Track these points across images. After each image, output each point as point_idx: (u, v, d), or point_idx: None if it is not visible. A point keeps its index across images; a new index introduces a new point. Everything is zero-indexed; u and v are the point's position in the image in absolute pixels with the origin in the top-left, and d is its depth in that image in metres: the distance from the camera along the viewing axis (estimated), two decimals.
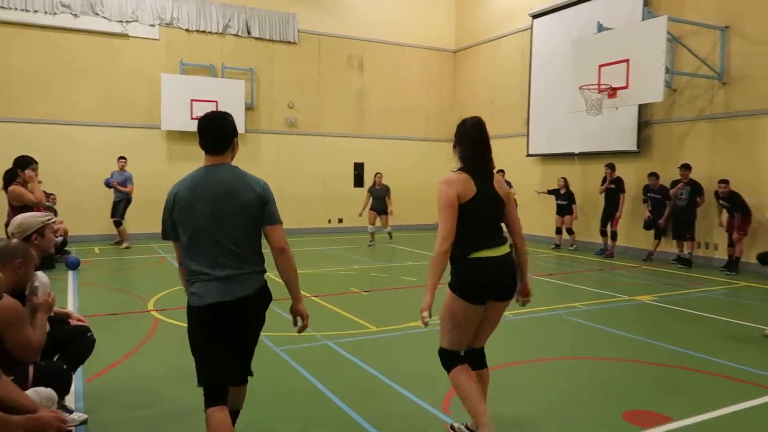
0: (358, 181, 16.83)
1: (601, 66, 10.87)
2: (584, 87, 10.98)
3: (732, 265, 10.06)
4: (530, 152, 14.85)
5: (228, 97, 14.76)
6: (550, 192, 13.16)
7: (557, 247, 13.12)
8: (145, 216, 12.71)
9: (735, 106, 10.61)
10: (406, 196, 17.13)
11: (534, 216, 14.05)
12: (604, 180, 11.97)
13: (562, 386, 4.65)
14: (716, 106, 10.93)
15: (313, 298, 7.57)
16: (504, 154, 15.87)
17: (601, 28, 11.64)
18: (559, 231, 13.13)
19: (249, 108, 15.41)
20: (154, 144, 14.46)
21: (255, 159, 15.60)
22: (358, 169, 16.83)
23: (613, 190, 11.88)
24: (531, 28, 14.86)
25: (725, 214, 10.23)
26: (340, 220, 16.63)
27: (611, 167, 11.92)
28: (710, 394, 4.41)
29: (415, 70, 17.71)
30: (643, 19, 11.13)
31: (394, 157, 17.07)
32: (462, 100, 18.03)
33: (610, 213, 11.92)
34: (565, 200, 12.89)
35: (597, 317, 6.83)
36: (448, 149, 16.78)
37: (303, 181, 16.15)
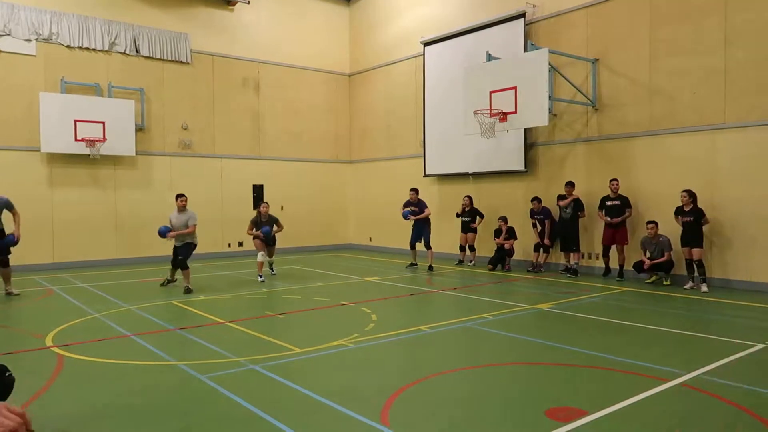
0: (258, 203, 16.54)
1: (492, 92, 11.70)
2: (478, 112, 11.74)
3: (621, 273, 11.16)
4: (427, 172, 15.50)
5: (116, 117, 14.08)
6: (459, 215, 13.70)
7: (460, 263, 13.76)
8: (26, 245, 11.68)
9: (606, 130, 11.86)
10: (308, 217, 17.21)
11: (437, 234, 14.65)
12: (564, 197, 11.84)
13: (484, 392, 4.96)
14: (591, 129, 12.14)
15: (229, 323, 7.41)
16: (402, 175, 16.53)
17: (489, 57, 12.54)
18: (462, 248, 13.78)
19: (140, 129, 14.76)
20: (33, 167, 13.38)
21: (147, 182, 14.96)
22: (257, 191, 16.62)
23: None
24: (423, 54, 15.63)
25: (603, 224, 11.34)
26: (240, 244, 16.28)
27: (571, 185, 11.81)
28: (615, 387, 4.92)
29: (311, 93, 17.91)
30: (526, 51, 12.18)
31: (294, 179, 17.09)
32: (359, 123, 18.49)
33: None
34: (468, 218, 13.57)
35: (505, 326, 7.32)
36: (348, 171, 17.38)
37: (199, 204, 15.62)
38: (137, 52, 14.81)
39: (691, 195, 9.94)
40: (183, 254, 10.20)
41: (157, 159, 15.12)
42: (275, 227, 11.75)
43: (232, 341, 6.63)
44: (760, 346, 6.13)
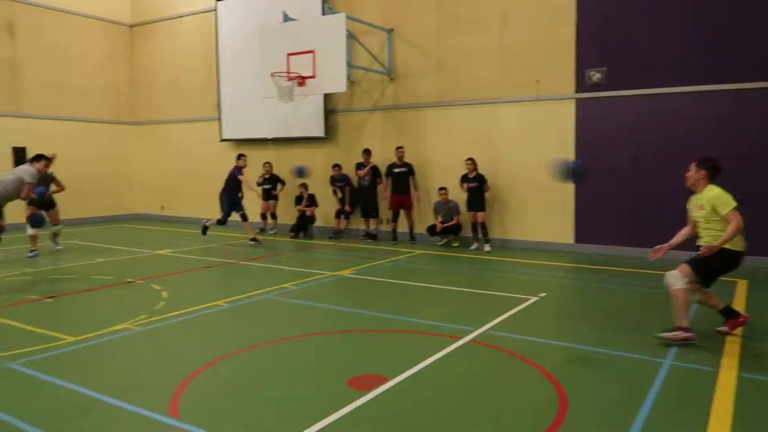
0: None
1: (289, 55, 11.28)
2: (275, 74, 11.26)
3: (412, 236, 11.70)
4: (224, 137, 14.62)
5: None
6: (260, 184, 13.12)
7: (262, 231, 13.29)
8: None
9: (401, 99, 12.24)
10: (85, 185, 15.14)
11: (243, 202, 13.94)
12: (362, 166, 11.98)
13: (284, 368, 4.74)
14: (387, 98, 12.43)
15: None
16: (196, 139, 15.39)
17: (286, 17, 12.05)
18: (264, 216, 13.30)
19: None
20: None
21: None
22: (19, 155, 14.12)
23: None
24: (215, 9, 14.54)
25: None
26: None
27: (368, 153, 12.01)
28: (413, 350, 5.05)
29: (84, 43, 15.63)
30: (324, 14, 11.95)
31: (65, 141, 14.81)
32: (144, 82, 16.68)
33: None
34: (269, 185, 13.08)
35: (307, 295, 7.16)
36: (132, 133, 15.62)
37: None
38: None
39: (474, 162, 10.75)
40: None
41: None
42: (53, 186, 10.08)
43: None
44: (534, 299, 6.84)
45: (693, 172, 5.37)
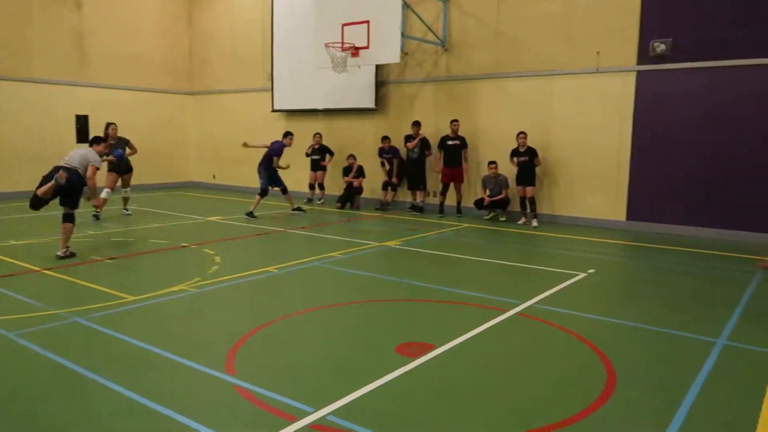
0: (82, 136, 14.73)
1: (343, 25, 11.27)
2: (329, 45, 11.28)
3: (459, 209, 11.66)
4: (275, 107, 14.81)
5: None
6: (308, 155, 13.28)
7: (309, 201, 13.50)
8: None
9: (455, 71, 12.08)
10: (143, 153, 15.63)
11: (289, 171, 14.17)
12: (411, 138, 11.97)
13: (334, 332, 4.87)
14: (440, 69, 12.29)
15: (46, 271, 6.50)
16: (248, 109, 15.64)
17: None
18: (312, 186, 13.49)
19: None
20: None
21: None
22: (81, 122, 14.71)
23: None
24: None
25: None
26: None
27: (418, 125, 11.94)
28: (460, 320, 5.09)
29: (144, 14, 16.01)
30: None
31: (125, 109, 15.31)
32: (200, 52, 17.01)
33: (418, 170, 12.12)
34: (318, 155, 13.24)
35: (354, 264, 7.28)
36: (188, 103, 15.91)
37: (13, 137, 13.55)
38: None
39: (526, 136, 10.55)
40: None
41: None
42: (128, 149, 10.48)
43: (49, 292, 5.83)
44: (583, 275, 6.75)
45: None
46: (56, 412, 3.37)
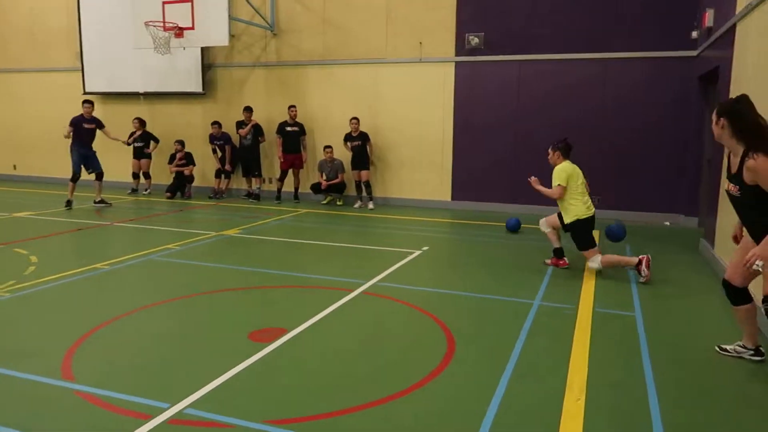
0: None
1: (164, 3, 10.61)
2: (150, 23, 10.55)
3: (296, 195, 11.71)
4: (87, 89, 13.46)
5: None
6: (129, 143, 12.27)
7: (134, 191, 12.57)
8: None
9: (284, 56, 12.03)
10: None
11: (108, 160, 12.99)
12: (243, 124, 11.64)
13: (181, 326, 4.71)
14: (269, 54, 12.16)
15: None
16: (56, 91, 14.06)
17: None
18: (136, 176, 12.58)
19: None
20: None
21: None
22: None
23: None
24: None
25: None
26: None
27: (249, 110, 11.71)
28: (308, 303, 5.21)
29: None
30: None
31: None
32: None
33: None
34: (141, 142, 12.35)
35: (193, 255, 7.03)
36: None
37: None
38: None
39: (358, 122, 10.92)
40: None
41: None
42: None
43: None
44: (418, 252, 7.26)
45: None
46: None
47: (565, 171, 6.03)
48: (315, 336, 4.40)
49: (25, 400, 3.37)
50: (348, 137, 11.04)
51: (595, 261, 6.04)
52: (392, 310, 5.12)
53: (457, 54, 10.80)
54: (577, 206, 6.02)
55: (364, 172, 11.01)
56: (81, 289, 5.61)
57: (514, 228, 8.77)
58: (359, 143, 10.92)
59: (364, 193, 11.09)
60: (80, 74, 13.54)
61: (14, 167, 15.02)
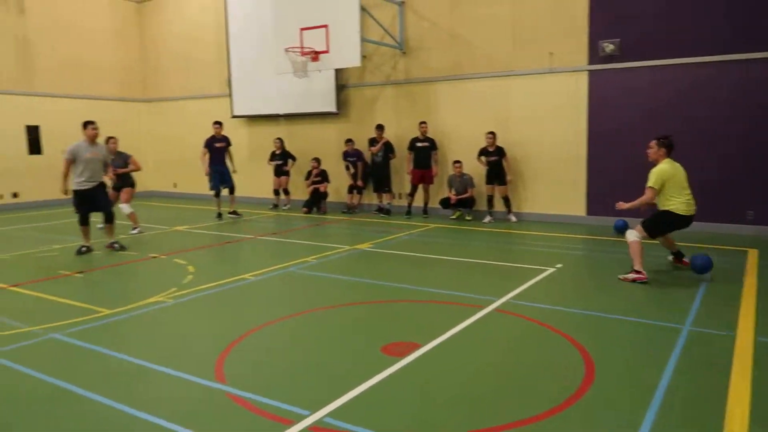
0: (35, 147, 14.29)
1: (302, 29, 11.29)
2: (289, 49, 11.28)
3: (426, 210, 11.85)
4: (235, 113, 14.67)
5: None
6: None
7: (275, 207, 13.45)
8: None
9: (413, 73, 12.26)
10: None
11: (250, 178, 14.10)
12: (375, 141, 12.04)
13: (319, 336, 4.93)
14: (399, 72, 12.46)
15: (13, 288, 6.32)
16: (207, 116, 15.40)
17: None
18: (276, 192, 13.45)
19: None
20: None
21: None
22: (32, 133, 14.24)
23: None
24: None
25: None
26: (15, 195, 13.96)
27: (381, 128, 12.01)
28: (441, 318, 5.22)
29: (92, 19, 15.61)
30: None
31: (77, 119, 14.82)
32: (154, 58, 16.71)
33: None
34: (280, 160, 13.21)
35: (329, 267, 7.34)
36: (143, 110, 15.64)
37: None
38: None
39: (494, 136, 10.79)
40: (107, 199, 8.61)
41: None
42: (130, 165, 10.04)
43: (19, 309, 5.69)
44: (552, 269, 7.00)
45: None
46: (50, 426, 3.33)
47: (661, 175, 6.26)
48: (447, 352, 4.40)
49: (182, 397, 3.71)
50: (484, 152, 10.92)
51: (634, 235, 6.34)
52: (525, 329, 4.97)
53: (590, 62, 10.34)
54: (676, 203, 6.28)
55: (502, 187, 10.88)
56: (231, 298, 6.09)
57: (621, 230, 8.66)
58: (496, 158, 10.78)
59: (505, 208, 11.01)
60: (228, 99, 14.79)
61: (174, 185, 16.69)
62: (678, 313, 5.18)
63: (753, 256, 7.56)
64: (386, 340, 4.66)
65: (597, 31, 10.21)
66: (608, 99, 10.25)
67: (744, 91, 9.15)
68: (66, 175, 8.16)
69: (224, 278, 6.77)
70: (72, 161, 8.07)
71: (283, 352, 4.52)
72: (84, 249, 8.35)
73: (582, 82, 10.45)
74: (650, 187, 6.30)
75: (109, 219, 8.50)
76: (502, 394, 3.69)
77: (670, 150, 6.44)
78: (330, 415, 3.40)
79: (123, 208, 9.98)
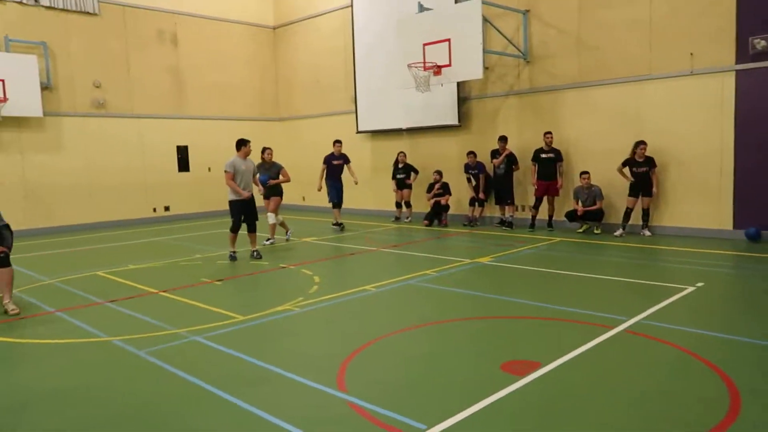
0: (183, 165, 15.82)
1: (425, 44, 11.45)
2: (412, 65, 11.49)
3: (550, 223, 11.45)
4: (360, 129, 15.20)
5: (18, 74, 12.83)
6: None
7: (397, 219, 13.72)
8: None
9: (538, 83, 11.94)
10: None
11: (373, 191, 14.52)
12: (497, 153, 11.89)
13: (437, 349, 4.93)
14: (522, 82, 12.19)
15: (163, 293, 7.01)
16: (334, 132, 16.11)
17: (421, 8, 12.21)
18: (398, 205, 13.71)
19: (46, 88, 13.53)
20: None
21: (58, 146, 13.82)
22: (182, 152, 15.77)
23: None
24: (351, 5, 15.08)
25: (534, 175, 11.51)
26: (167, 208, 15.51)
27: (504, 140, 11.84)
28: (565, 337, 5.00)
29: (234, 47, 17.00)
30: (457, 1, 11.95)
31: (220, 139, 16.25)
32: (287, 79, 17.80)
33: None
34: (403, 174, 13.47)
35: (449, 281, 7.32)
36: (277, 129, 16.75)
37: (119, 168, 14.72)
38: (36, 1, 13.43)
39: (645, 146, 10.05)
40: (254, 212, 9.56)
41: (67, 120, 13.96)
42: (280, 176, 10.66)
43: (168, 312, 6.28)
44: (691, 288, 6.44)
45: None
46: (187, 422, 3.64)
47: None
48: (571, 374, 4.20)
49: (304, 403, 3.88)
50: (631, 162, 10.20)
51: None
52: (659, 353, 4.61)
53: (738, 61, 9.42)
54: None
55: (647, 199, 10.22)
56: (353, 308, 6.28)
57: (754, 237, 7.80)
58: (645, 169, 10.12)
59: (641, 221, 10.37)
60: (354, 116, 15.35)
61: (303, 198, 17.60)
62: None
63: None
64: (506, 357, 4.55)
65: (747, 26, 9.30)
66: (760, 101, 9.28)
67: None
68: (236, 183, 9.13)
69: (347, 289, 7.00)
70: (233, 174, 9.02)
71: (402, 364, 4.58)
72: (234, 253, 9.29)
73: (728, 84, 9.56)
74: None
75: (252, 229, 9.33)
76: (630, 423, 3.45)
77: None
78: (446, 431, 3.38)
79: (269, 217, 10.77)
